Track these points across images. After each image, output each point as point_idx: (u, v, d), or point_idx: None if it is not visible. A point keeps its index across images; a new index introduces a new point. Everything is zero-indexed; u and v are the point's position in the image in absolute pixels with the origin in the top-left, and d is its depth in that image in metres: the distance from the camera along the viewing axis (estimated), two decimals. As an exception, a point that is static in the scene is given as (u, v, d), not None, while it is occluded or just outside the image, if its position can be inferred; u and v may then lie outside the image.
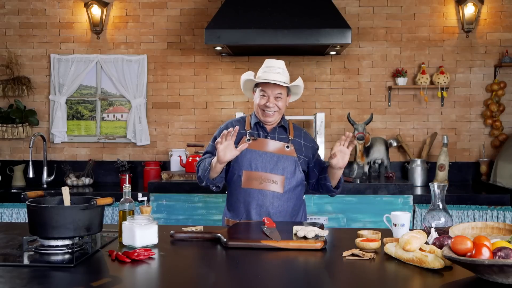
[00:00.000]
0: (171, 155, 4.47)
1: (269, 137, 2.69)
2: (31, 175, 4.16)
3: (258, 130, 2.71)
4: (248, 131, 2.71)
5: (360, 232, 2.27)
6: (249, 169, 2.64)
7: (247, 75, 2.71)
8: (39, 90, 4.72)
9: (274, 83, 2.62)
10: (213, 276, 1.82)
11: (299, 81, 2.73)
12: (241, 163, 2.65)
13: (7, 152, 4.76)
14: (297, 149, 2.69)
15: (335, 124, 4.61)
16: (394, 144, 4.51)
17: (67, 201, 2.20)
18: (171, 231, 2.32)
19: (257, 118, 2.72)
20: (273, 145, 2.66)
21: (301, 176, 2.70)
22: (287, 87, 2.69)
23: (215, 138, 2.72)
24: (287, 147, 2.67)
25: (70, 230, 2.01)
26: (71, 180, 4.42)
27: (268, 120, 2.67)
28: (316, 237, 2.22)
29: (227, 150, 2.47)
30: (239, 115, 4.07)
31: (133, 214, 2.28)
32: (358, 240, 2.12)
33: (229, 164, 2.67)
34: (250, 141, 2.66)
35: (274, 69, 2.63)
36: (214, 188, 2.67)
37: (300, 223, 2.43)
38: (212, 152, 2.69)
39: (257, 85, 2.69)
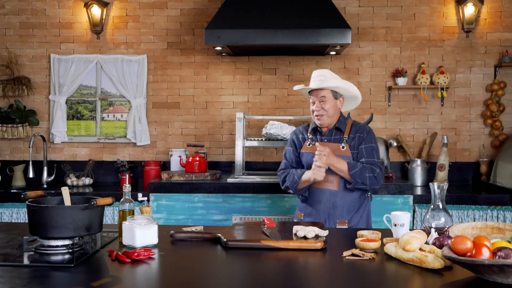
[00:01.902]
0: (171, 155, 4.47)
1: (325, 140, 2.98)
2: (31, 175, 4.16)
3: (316, 135, 3.03)
4: (309, 136, 3.04)
5: (360, 232, 2.27)
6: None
7: (297, 87, 3.06)
8: (39, 90, 4.72)
9: (316, 89, 2.95)
10: (213, 276, 1.82)
11: (337, 83, 2.94)
12: (304, 166, 3.01)
13: (7, 152, 4.76)
14: (352, 145, 2.93)
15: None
16: (394, 144, 4.51)
17: (67, 201, 2.20)
18: (171, 231, 2.32)
19: (315, 123, 3.03)
20: (332, 147, 2.91)
21: None
22: (332, 90, 2.96)
23: (288, 150, 3.12)
24: (343, 147, 2.92)
25: (70, 230, 2.01)
26: (71, 180, 4.42)
27: (320, 123, 2.97)
28: (316, 237, 2.22)
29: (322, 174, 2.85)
30: (239, 115, 4.08)
31: (133, 214, 2.28)
32: (358, 240, 2.12)
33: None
34: (311, 146, 2.99)
35: (318, 77, 2.95)
36: (301, 197, 3.06)
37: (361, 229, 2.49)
38: (289, 165, 3.08)
39: (309, 93, 3.02)
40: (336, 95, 2.97)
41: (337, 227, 2.90)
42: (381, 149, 4.30)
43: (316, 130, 3.04)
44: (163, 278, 1.82)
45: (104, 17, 4.63)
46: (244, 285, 1.74)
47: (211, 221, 3.82)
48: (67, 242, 2.04)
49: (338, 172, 2.85)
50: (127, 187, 2.29)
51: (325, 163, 2.80)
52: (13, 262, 1.91)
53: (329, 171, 2.87)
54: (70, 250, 2.00)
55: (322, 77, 2.93)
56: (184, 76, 4.68)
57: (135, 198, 2.73)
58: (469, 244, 1.68)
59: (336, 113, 2.99)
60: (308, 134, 3.05)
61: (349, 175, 2.82)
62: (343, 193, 2.91)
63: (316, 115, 2.95)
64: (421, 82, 4.46)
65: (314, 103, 2.96)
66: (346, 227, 2.90)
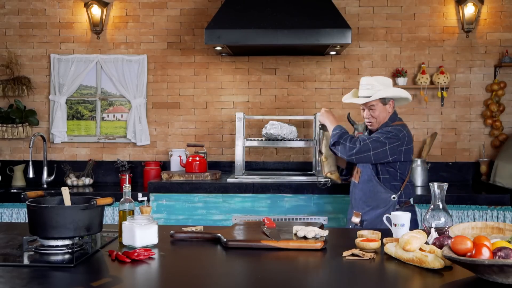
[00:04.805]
0: (171, 155, 4.47)
1: None
2: (31, 175, 4.16)
3: (366, 132, 3.25)
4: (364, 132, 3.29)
5: (360, 232, 2.27)
6: None
7: (346, 95, 3.27)
8: (39, 90, 4.72)
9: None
10: (213, 276, 1.82)
11: (380, 94, 3.04)
12: None
13: (7, 152, 4.76)
14: None
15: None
16: (394, 144, 4.51)
17: (67, 201, 2.20)
18: (171, 231, 2.32)
19: None
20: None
21: (371, 170, 3.05)
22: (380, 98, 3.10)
23: None
24: None
25: (70, 230, 2.01)
26: (71, 180, 4.42)
27: (371, 129, 3.18)
28: (316, 237, 2.22)
29: None
30: (239, 115, 4.08)
31: (133, 214, 2.28)
32: (358, 240, 2.13)
33: None
34: None
35: (364, 86, 3.08)
36: None
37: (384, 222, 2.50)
38: None
39: None
40: (384, 101, 3.10)
41: (352, 219, 3.10)
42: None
43: (368, 129, 3.27)
44: (163, 278, 1.82)
45: (104, 17, 4.63)
46: (244, 285, 1.74)
47: (211, 221, 3.82)
48: (67, 242, 2.04)
49: (329, 131, 3.16)
50: (127, 187, 2.29)
51: (321, 120, 3.24)
52: (13, 262, 1.91)
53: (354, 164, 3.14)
54: (70, 250, 2.00)
55: (369, 86, 3.06)
56: (184, 76, 4.68)
57: (135, 198, 2.73)
58: (469, 244, 1.68)
59: (386, 116, 3.13)
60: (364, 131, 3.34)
61: (331, 135, 3.08)
62: (363, 186, 3.08)
63: (367, 122, 3.15)
64: (421, 82, 4.46)
65: (364, 110, 3.13)
66: (359, 219, 3.06)
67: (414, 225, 2.93)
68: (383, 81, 3.10)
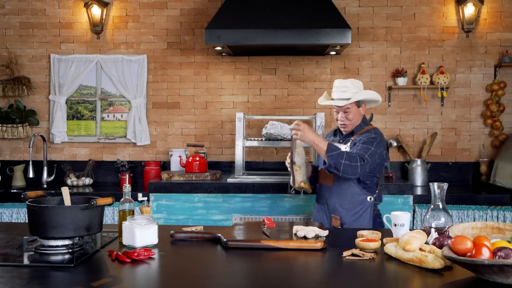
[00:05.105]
0: (171, 155, 4.47)
1: (340, 141, 3.15)
2: (31, 175, 4.16)
3: (336, 135, 3.25)
4: (332, 137, 3.26)
5: (360, 232, 2.27)
6: (321, 166, 3.19)
7: (321, 98, 3.18)
8: (39, 90, 4.72)
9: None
10: (213, 276, 1.82)
11: (359, 96, 3.03)
12: (318, 163, 3.25)
13: (7, 152, 4.76)
14: (352, 147, 3.03)
15: (335, 124, 4.60)
16: (394, 144, 4.51)
17: (67, 201, 2.20)
18: (171, 231, 2.32)
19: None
20: (338, 146, 3.05)
21: None
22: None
23: None
24: (346, 148, 3.03)
25: (70, 230, 2.01)
26: (71, 180, 4.42)
27: (343, 130, 3.14)
28: (316, 237, 2.22)
29: None
30: (239, 115, 4.08)
31: (133, 214, 2.28)
32: (358, 240, 2.12)
33: None
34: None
35: (341, 88, 3.05)
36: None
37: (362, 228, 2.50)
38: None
39: None
40: (359, 103, 3.08)
41: (332, 223, 3.05)
42: (381, 149, 4.30)
43: (337, 131, 3.26)
44: (163, 278, 1.82)
45: (104, 17, 4.63)
46: (244, 285, 1.74)
47: (211, 221, 3.82)
48: (67, 242, 2.04)
49: (318, 151, 2.95)
50: (127, 187, 2.29)
51: (305, 138, 2.93)
52: (13, 262, 1.91)
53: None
54: (70, 250, 2.00)
55: (345, 88, 3.04)
56: (184, 76, 4.68)
57: (135, 198, 2.73)
58: (469, 244, 1.68)
59: (359, 119, 3.12)
60: (332, 135, 3.30)
61: (326, 156, 2.87)
62: (338, 188, 3.02)
63: (341, 124, 3.11)
64: (421, 82, 4.46)
65: (338, 112, 3.10)
66: (338, 222, 3.01)
67: (366, 218, 3.00)
68: (357, 83, 3.08)
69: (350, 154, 2.87)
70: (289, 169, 3.06)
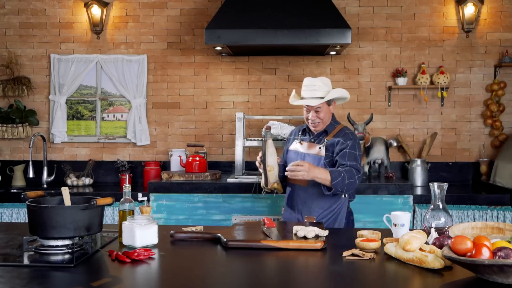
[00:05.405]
0: (171, 155, 4.47)
1: (312, 140, 3.08)
2: (31, 175, 4.15)
3: (305, 135, 3.16)
4: (299, 136, 3.15)
5: (360, 232, 2.27)
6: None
7: (291, 97, 3.10)
8: (39, 90, 4.72)
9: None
10: (213, 276, 1.82)
11: (332, 94, 2.99)
12: (288, 162, 3.10)
13: (7, 152, 4.76)
14: (328, 148, 2.99)
15: (335, 124, 4.61)
16: (394, 144, 4.51)
17: (67, 201, 2.20)
18: (171, 231, 2.32)
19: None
20: (310, 147, 3.06)
21: None
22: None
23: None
24: (319, 148, 3.00)
25: (70, 230, 2.01)
26: (71, 180, 4.42)
27: (314, 129, 3.07)
28: (316, 237, 2.22)
29: None
30: (239, 115, 4.08)
31: (133, 214, 2.28)
32: (358, 240, 2.12)
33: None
34: (297, 144, 3.12)
35: (311, 87, 2.99)
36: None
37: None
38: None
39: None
40: (329, 101, 3.04)
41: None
42: (381, 149, 4.30)
43: (306, 131, 3.16)
44: (163, 278, 1.82)
45: (104, 17, 4.63)
46: (244, 285, 1.74)
47: (211, 221, 3.82)
48: (67, 242, 2.04)
49: (321, 182, 2.84)
50: (127, 187, 2.29)
51: (309, 177, 2.81)
52: (13, 262, 1.91)
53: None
54: (70, 250, 2.00)
55: (315, 87, 2.98)
56: (184, 76, 4.68)
57: (135, 198, 2.73)
58: (469, 244, 1.68)
59: (330, 117, 3.07)
60: (299, 133, 3.17)
61: (331, 184, 2.81)
62: (313, 189, 2.96)
63: (312, 124, 3.04)
64: (421, 82, 4.46)
65: (308, 111, 3.02)
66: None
67: (341, 215, 2.98)
68: (326, 81, 3.03)
69: (349, 171, 2.84)
70: (260, 169, 2.97)
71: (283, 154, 3.28)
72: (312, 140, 3.09)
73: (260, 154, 2.95)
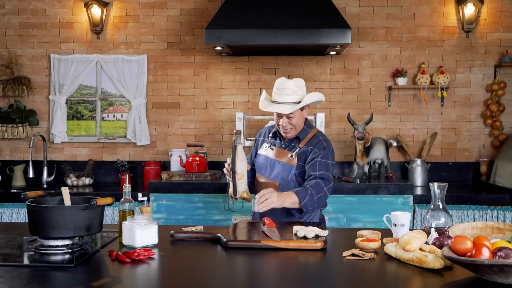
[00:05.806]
0: (171, 155, 4.47)
1: (283, 146, 2.89)
2: (31, 175, 4.15)
3: (276, 139, 2.95)
4: (269, 139, 2.96)
5: (360, 232, 2.27)
6: (258, 173, 2.96)
7: (262, 101, 2.85)
8: (39, 90, 4.72)
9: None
10: (213, 276, 1.82)
11: (306, 100, 2.76)
12: (256, 166, 2.99)
13: (7, 152, 4.76)
14: (301, 157, 2.81)
15: (335, 124, 4.61)
16: (394, 144, 4.51)
17: (67, 201, 2.20)
18: (171, 231, 2.32)
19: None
20: (281, 153, 2.86)
21: (294, 184, 2.80)
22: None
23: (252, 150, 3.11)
24: (291, 156, 2.81)
25: (70, 230, 2.01)
26: (71, 180, 4.42)
27: (285, 136, 2.87)
28: (316, 237, 2.22)
29: None
30: (239, 115, 4.08)
31: (133, 214, 2.28)
32: (358, 240, 2.12)
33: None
34: (267, 148, 2.94)
35: (284, 91, 2.75)
36: None
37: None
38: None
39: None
40: (303, 106, 2.80)
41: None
42: (381, 149, 4.30)
43: (276, 134, 2.95)
44: (163, 278, 1.82)
45: (104, 17, 4.63)
46: (244, 285, 1.74)
47: (211, 221, 3.82)
48: (67, 242, 2.04)
49: (291, 206, 2.66)
50: (127, 187, 2.29)
51: (278, 205, 2.59)
52: (13, 262, 1.91)
53: (271, 174, 2.85)
54: (70, 250, 2.00)
55: (288, 91, 2.74)
56: (184, 76, 4.68)
57: (135, 198, 2.73)
58: (469, 244, 1.68)
59: (303, 122, 2.87)
60: (270, 136, 2.97)
61: (301, 206, 2.65)
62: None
63: (284, 130, 2.82)
64: (421, 82, 4.46)
65: (280, 117, 2.80)
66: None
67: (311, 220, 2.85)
68: (300, 83, 2.79)
69: (316, 185, 2.67)
70: (228, 178, 2.73)
71: (250, 155, 3.09)
72: (283, 146, 2.88)
73: (228, 161, 2.71)
